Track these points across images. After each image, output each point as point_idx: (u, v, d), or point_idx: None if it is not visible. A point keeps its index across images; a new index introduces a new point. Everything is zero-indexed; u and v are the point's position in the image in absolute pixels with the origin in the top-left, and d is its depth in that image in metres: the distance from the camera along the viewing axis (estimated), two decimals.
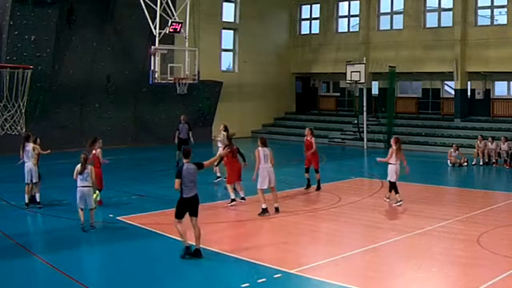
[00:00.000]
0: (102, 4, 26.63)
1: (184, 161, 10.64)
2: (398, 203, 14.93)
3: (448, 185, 19.71)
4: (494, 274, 9.31)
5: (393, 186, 15.14)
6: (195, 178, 10.51)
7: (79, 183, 12.35)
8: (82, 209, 12.37)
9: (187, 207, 10.48)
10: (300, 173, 21.44)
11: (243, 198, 15.20)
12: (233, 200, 14.92)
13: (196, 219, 10.52)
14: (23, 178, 14.46)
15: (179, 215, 10.49)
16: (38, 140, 14.92)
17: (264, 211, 13.91)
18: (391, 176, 15.08)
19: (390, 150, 15.34)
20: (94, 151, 14.45)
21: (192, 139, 21.18)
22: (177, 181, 10.43)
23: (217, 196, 16.67)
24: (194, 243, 10.47)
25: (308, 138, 17.29)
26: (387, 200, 15.47)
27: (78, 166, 12.37)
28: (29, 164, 14.36)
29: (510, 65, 26.96)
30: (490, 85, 29.35)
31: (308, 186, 17.40)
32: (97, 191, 14.21)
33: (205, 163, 10.86)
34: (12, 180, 18.87)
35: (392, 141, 15.52)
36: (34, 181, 14.39)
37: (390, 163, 15.13)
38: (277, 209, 14.14)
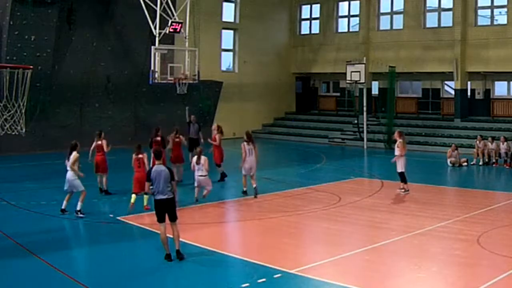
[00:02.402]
0: (102, 4, 26.62)
1: (156, 162, 10.64)
2: (406, 192, 16.44)
3: (448, 185, 19.71)
4: (494, 274, 9.31)
5: (401, 176, 16.51)
6: (167, 180, 10.30)
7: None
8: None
9: (162, 209, 10.33)
10: (300, 173, 21.54)
11: None
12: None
13: (174, 223, 10.39)
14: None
15: (158, 218, 10.41)
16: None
17: (245, 193, 16.21)
18: (397, 167, 16.41)
19: (398, 143, 16.51)
20: (140, 155, 14.73)
21: (202, 139, 21.22)
22: (146, 184, 10.54)
23: (215, 196, 16.67)
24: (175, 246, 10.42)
25: (214, 134, 18.96)
26: (402, 191, 16.54)
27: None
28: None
29: (510, 65, 26.94)
30: (490, 85, 29.32)
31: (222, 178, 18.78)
32: (133, 195, 14.01)
33: (174, 185, 10.51)
34: (12, 180, 18.90)
35: (396, 135, 16.89)
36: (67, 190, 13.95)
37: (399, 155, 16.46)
38: (255, 189, 15.90)
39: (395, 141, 17.13)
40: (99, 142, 16.42)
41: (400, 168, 16.48)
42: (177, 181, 16.45)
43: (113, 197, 15.95)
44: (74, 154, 13.83)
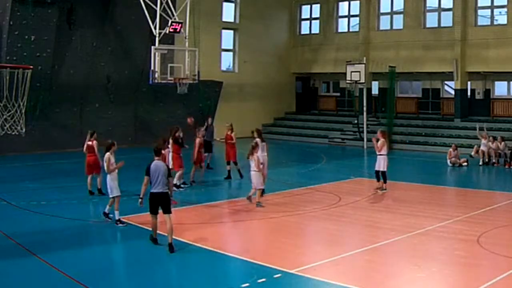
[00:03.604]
0: (102, 4, 26.60)
1: (155, 158, 11.08)
2: (383, 191, 16.62)
3: (448, 185, 19.71)
4: (494, 274, 9.31)
5: (383, 175, 16.72)
6: (164, 175, 10.82)
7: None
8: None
9: (156, 202, 10.83)
10: (300, 173, 21.55)
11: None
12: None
13: (168, 215, 10.83)
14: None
15: (151, 210, 10.95)
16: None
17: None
18: (381, 166, 16.63)
19: (380, 142, 16.72)
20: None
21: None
22: (145, 177, 10.95)
23: (216, 196, 16.67)
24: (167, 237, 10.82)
25: (228, 133, 19.22)
26: (379, 191, 16.68)
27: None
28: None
29: (510, 65, 26.94)
30: (490, 85, 29.33)
31: (229, 177, 18.99)
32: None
33: (170, 181, 11.14)
34: (12, 180, 18.89)
35: (379, 135, 17.17)
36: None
37: (381, 154, 16.63)
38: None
39: (377, 140, 17.05)
40: (90, 143, 15.78)
41: (381, 167, 16.66)
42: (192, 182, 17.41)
43: None
44: (106, 156, 13.10)
